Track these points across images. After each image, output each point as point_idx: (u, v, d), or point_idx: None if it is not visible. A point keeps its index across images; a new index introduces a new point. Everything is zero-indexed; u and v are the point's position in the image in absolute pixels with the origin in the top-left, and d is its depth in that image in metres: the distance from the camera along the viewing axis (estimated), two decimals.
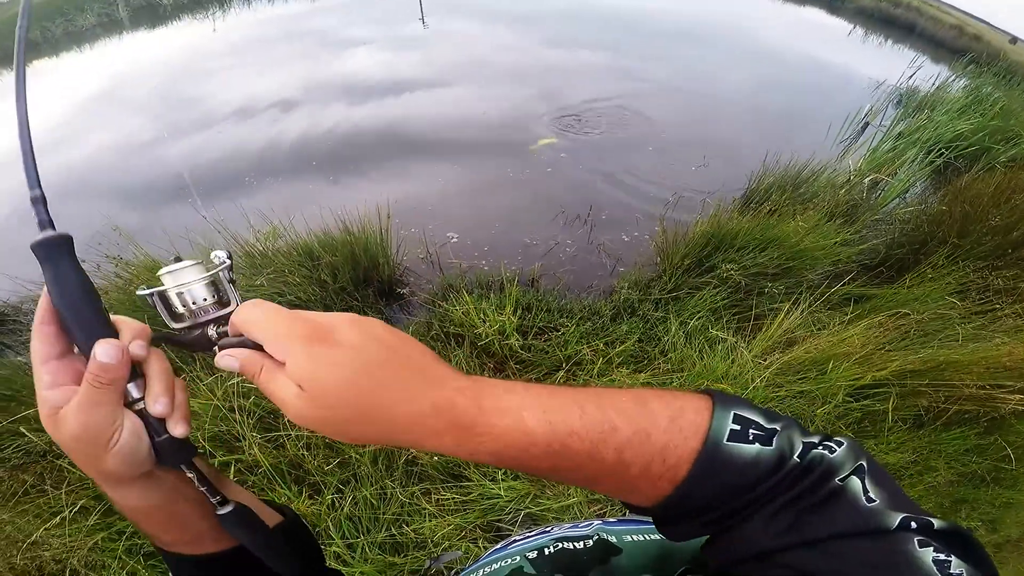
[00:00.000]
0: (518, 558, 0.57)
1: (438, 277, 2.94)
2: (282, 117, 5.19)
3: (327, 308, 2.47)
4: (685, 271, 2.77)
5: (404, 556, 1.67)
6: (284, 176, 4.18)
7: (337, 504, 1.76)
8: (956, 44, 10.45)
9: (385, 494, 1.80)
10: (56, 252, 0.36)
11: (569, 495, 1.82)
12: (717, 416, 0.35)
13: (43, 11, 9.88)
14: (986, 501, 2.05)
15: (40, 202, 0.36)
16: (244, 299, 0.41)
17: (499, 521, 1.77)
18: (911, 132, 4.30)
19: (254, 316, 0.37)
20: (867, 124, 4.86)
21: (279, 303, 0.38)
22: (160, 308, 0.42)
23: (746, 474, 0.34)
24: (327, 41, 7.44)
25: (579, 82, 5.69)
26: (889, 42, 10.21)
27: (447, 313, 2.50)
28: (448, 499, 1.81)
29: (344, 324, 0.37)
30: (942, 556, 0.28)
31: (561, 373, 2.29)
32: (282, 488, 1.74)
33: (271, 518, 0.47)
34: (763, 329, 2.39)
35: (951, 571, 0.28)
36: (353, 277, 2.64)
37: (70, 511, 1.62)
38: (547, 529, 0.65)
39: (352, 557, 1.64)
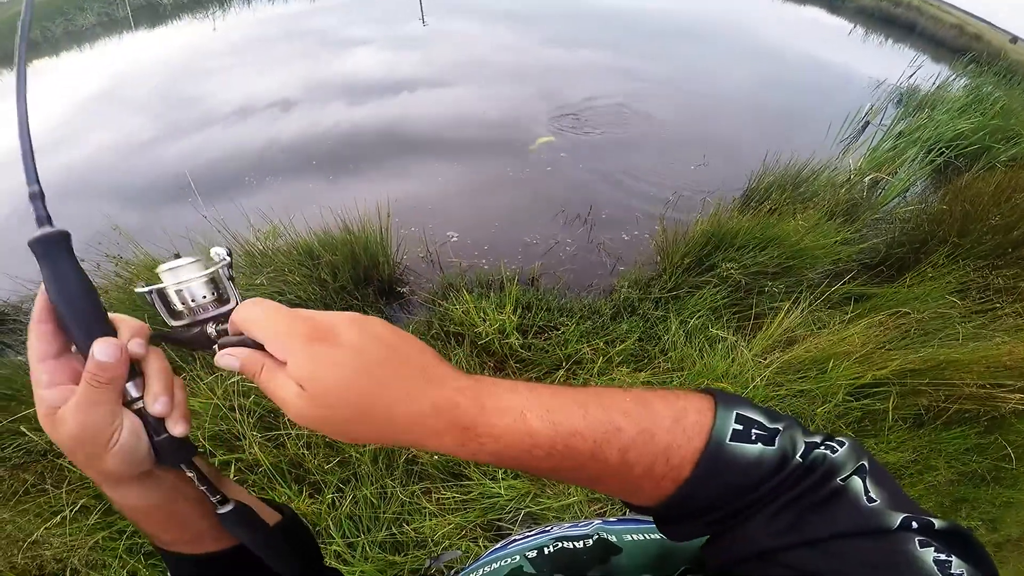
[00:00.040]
0: (517, 557, 0.57)
1: (438, 276, 2.95)
2: (282, 116, 5.19)
3: (327, 307, 2.46)
4: (685, 270, 2.77)
5: (404, 555, 1.67)
6: (284, 175, 4.17)
7: (337, 503, 1.76)
8: (956, 43, 10.43)
9: (385, 493, 1.80)
10: (54, 249, 0.35)
11: (569, 494, 1.82)
12: (720, 416, 0.35)
13: (43, 11, 9.86)
14: (986, 500, 2.05)
15: (38, 198, 0.35)
16: (244, 298, 0.41)
17: (499, 520, 1.77)
18: (911, 131, 4.30)
19: (254, 315, 0.37)
20: (867, 123, 4.85)
21: (279, 302, 0.38)
22: (159, 306, 0.41)
23: (749, 474, 0.34)
24: (327, 41, 7.43)
25: (579, 81, 5.68)
26: (889, 41, 10.20)
27: (447, 312, 2.50)
28: (448, 498, 1.81)
29: (345, 323, 0.36)
30: (943, 556, 0.28)
31: (561, 372, 2.29)
32: (282, 487, 1.74)
33: (270, 517, 0.47)
34: (763, 328, 2.39)
35: (952, 571, 0.28)
36: (353, 276, 2.64)
37: (71, 510, 1.62)
38: (547, 528, 0.65)
39: (353, 556, 1.64)
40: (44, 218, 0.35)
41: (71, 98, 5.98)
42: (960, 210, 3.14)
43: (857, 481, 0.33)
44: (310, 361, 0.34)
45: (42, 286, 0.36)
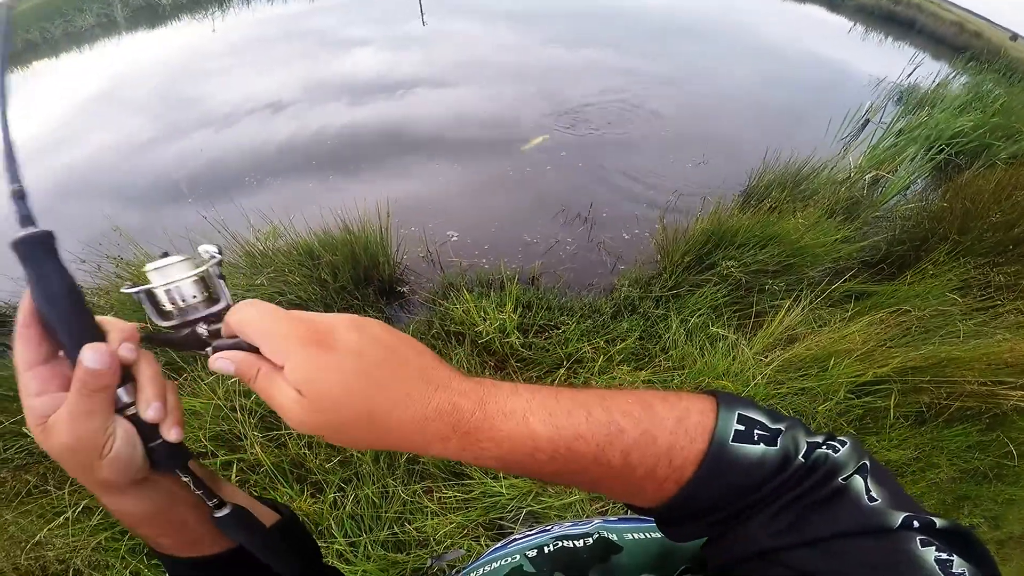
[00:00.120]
0: (518, 556, 0.58)
1: (438, 276, 2.94)
2: (282, 117, 5.18)
3: (327, 307, 2.47)
4: (685, 268, 2.77)
5: (406, 554, 1.68)
6: (284, 175, 4.17)
7: (339, 503, 1.76)
8: (956, 41, 10.44)
9: (387, 492, 1.81)
10: (38, 250, 0.34)
11: (571, 493, 1.82)
12: (722, 417, 0.35)
13: (42, 12, 9.88)
14: (988, 498, 2.05)
15: (20, 197, 0.34)
16: (242, 298, 0.40)
17: (501, 519, 1.77)
18: (911, 129, 4.30)
19: (250, 317, 0.36)
20: (867, 121, 4.84)
21: (279, 302, 0.38)
22: (147, 307, 0.40)
23: (751, 475, 0.34)
24: (327, 41, 7.42)
25: (579, 80, 5.67)
26: (889, 39, 10.19)
27: (447, 312, 2.50)
28: (450, 497, 1.81)
29: (343, 326, 0.35)
30: (944, 555, 0.28)
31: (562, 371, 2.29)
32: (284, 487, 1.75)
33: (268, 517, 0.47)
34: (764, 326, 2.39)
35: (953, 570, 0.28)
36: (353, 276, 2.64)
37: (73, 511, 1.63)
38: (547, 527, 0.65)
39: (354, 555, 1.65)
40: (27, 218, 0.34)
41: (71, 99, 6.00)
42: (960, 207, 3.14)
43: (859, 480, 0.33)
44: (308, 364, 0.33)
45: (27, 290, 0.34)
